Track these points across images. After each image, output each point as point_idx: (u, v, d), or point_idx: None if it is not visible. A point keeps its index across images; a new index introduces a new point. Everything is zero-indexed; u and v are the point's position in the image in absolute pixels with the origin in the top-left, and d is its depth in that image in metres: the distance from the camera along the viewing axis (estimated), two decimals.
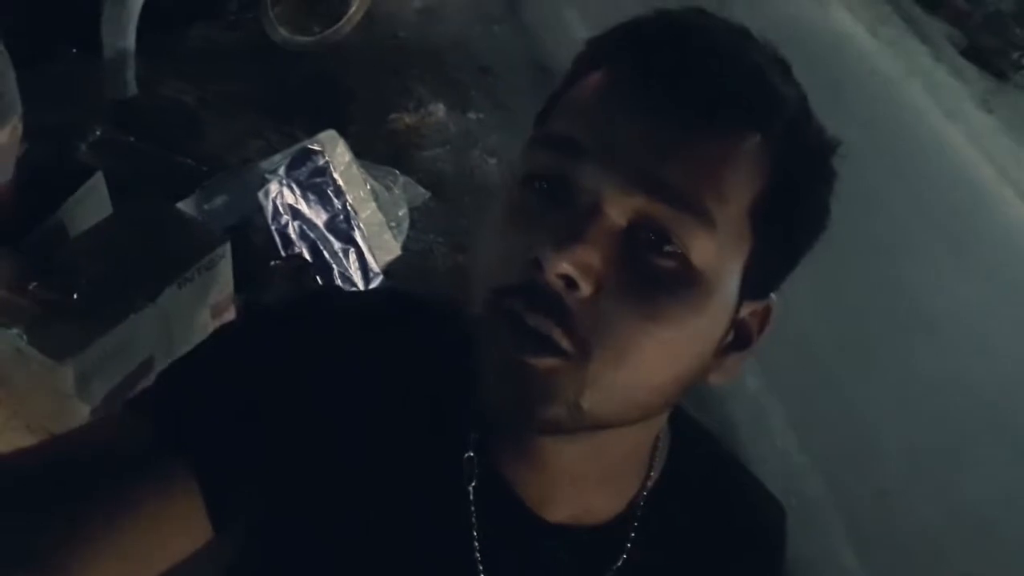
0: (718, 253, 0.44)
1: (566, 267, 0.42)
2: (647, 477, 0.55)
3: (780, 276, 0.50)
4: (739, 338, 0.49)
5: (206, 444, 0.48)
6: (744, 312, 0.48)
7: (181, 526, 0.47)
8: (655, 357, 0.44)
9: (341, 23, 3.37)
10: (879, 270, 3.96)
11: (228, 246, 1.55)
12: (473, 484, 0.52)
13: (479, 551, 0.52)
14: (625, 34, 0.47)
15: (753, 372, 2.91)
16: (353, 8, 3.39)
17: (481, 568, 0.52)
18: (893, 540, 2.73)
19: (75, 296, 1.25)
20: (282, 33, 3.13)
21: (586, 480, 0.52)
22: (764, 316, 0.50)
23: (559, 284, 0.42)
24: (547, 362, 0.43)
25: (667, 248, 0.43)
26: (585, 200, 0.43)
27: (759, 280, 0.47)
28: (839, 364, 3.27)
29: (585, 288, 0.42)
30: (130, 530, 0.45)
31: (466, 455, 0.52)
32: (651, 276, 0.43)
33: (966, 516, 2.98)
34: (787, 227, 0.47)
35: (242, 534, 0.55)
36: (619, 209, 0.43)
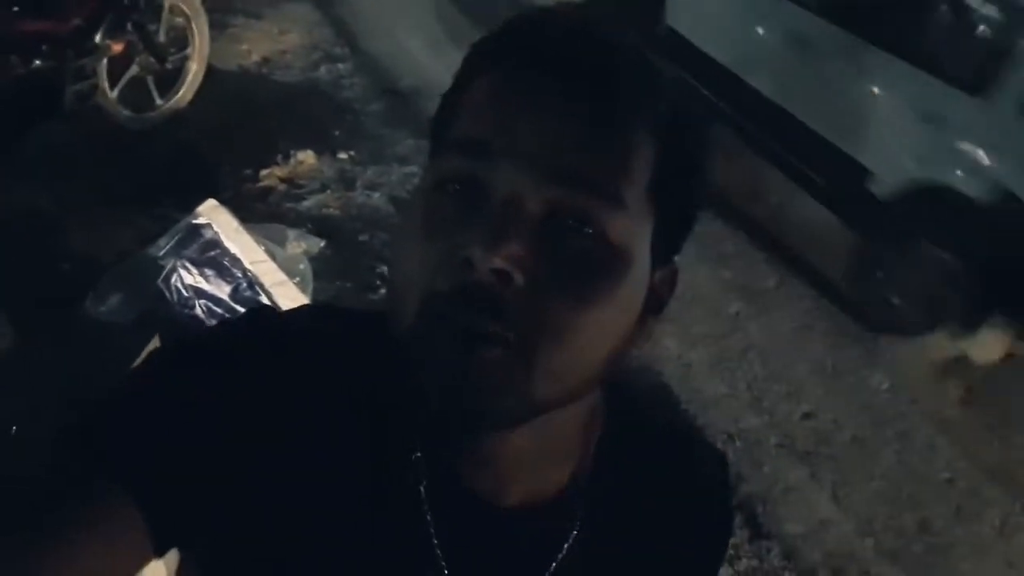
0: (631, 229, 0.47)
1: (499, 262, 0.43)
2: (588, 446, 0.57)
3: (681, 241, 0.53)
4: (652, 302, 0.52)
5: (145, 471, 0.47)
6: (655, 278, 0.51)
7: (125, 551, 0.46)
8: (592, 335, 0.46)
9: (182, 90, 3.27)
10: None
11: (157, 341, 1.49)
12: (424, 484, 0.52)
13: (439, 547, 0.52)
14: (513, 34, 0.49)
15: (671, 333, 3.08)
16: (191, 74, 3.29)
17: (444, 564, 0.53)
18: (829, 451, 2.96)
19: (13, 430, 1.17)
20: (126, 113, 3.01)
21: (533, 463, 0.53)
22: (671, 279, 0.54)
23: (492, 280, 0.43)
24: (494, 356, 0.44)
25: (587, 230, 0.46)
26: (502, 195, 0.45)
27: (664, 247, 0.51)
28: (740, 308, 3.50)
29: (519, 278, 0.43)
30: (70, 565, 0.44)
31: (414, 456, 0.52)
32: (576, 259, 0.45)
33: (881, 413, 3.27)
34: (682, 197, 0.51)
35: (194, 557, 0.53)
36: (536, 201, 0.45)
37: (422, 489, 0.52)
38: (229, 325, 0.59)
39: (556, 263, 0.45)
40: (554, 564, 0.55)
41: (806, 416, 3.07)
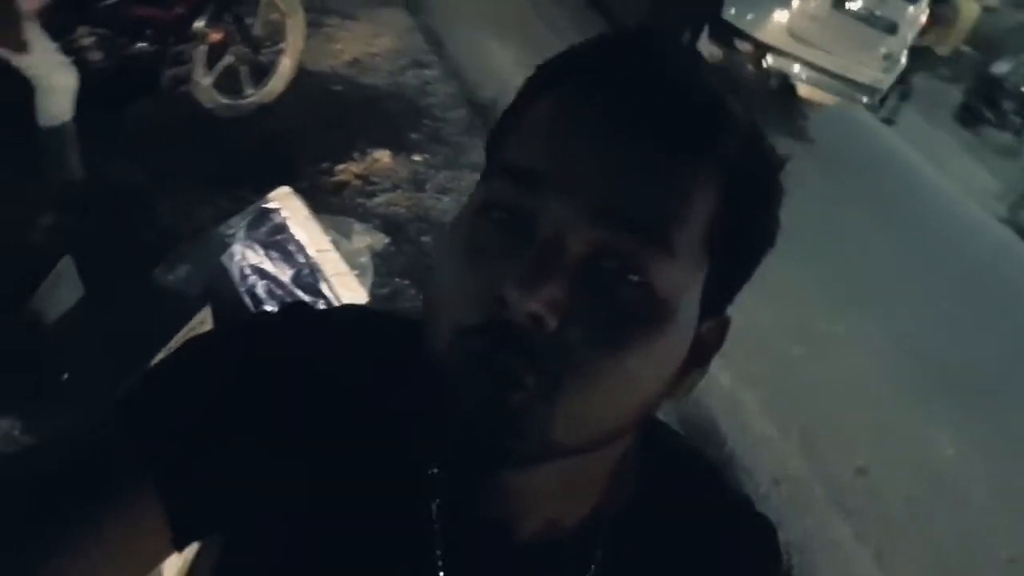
0: (679, 279, 0.44)
1: (534, 306, 0.41)
2: (614, 489, 0.54)
3: (735, 291, 0.50)
4: (697, 354, 0.49)
5: (171, 461, 0.47)
6: (702, 329, 0.48)
7: (146, 543, 0.47)
8: (623, 385, 0.44)
9: (273, 82, 3.40)
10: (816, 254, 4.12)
11: (208, 311, 1.55)
12: (437, 501, 0.51)
13: (443, 569, 0.51)
14: (576, 60, 0.47)
15: (724, 368, 3.01)
16: (282, 67, 3.42)
17: None
18: (879, 510, 2.82)
19: (64, 377, 1.24)
20: (218, 100, 3.15)
21: (552, 500, 0.51)
22: (721, 330, 0.51)
23: (526, 321, 0.42)
24: (517, 398, 0.42)
25: (631, 277, 0.43)
26: (546, 232, 0.43)
27: (716, 297, 0.48)
28: (801, 351, 3.39)
29: (552, 323, 0.42)
30: (94, 551, 0.45)
31: (430, 471, 0.51)
32: (616, 306, 0.43)
33: (941, 477, 3.11)
34: (742, 246, 0.48)
35: (214, 550, 0.54)
36: (581, 241, 0.43)
37: (434, 506, 0.51)
38: (264, 319, 0.60)
39: (595, 309, 0.43)
40: None
41: (859, 471, 2.95)
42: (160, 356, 1.42)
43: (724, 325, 0.51)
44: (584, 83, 0.45)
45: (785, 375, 3.24)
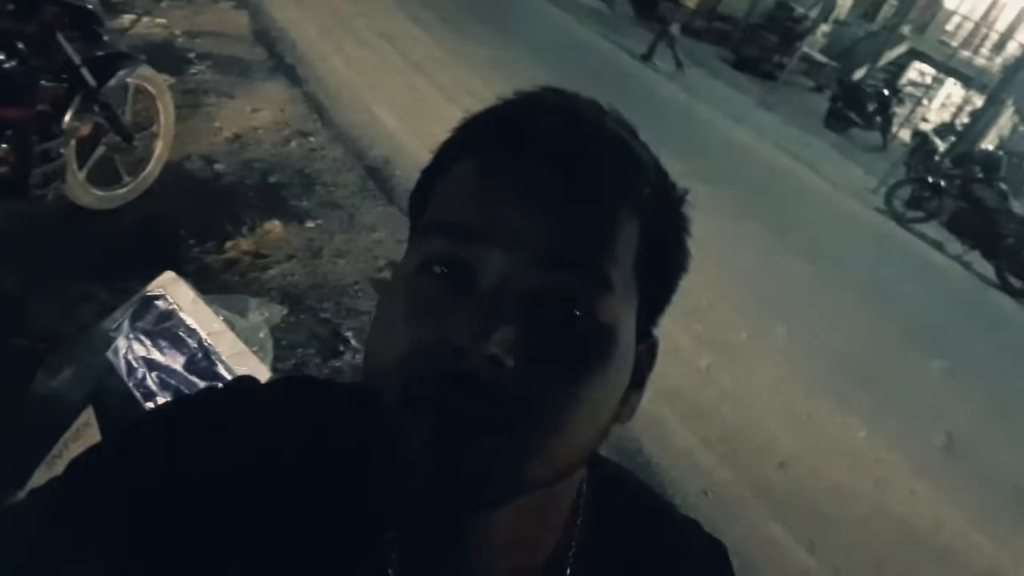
0: (618, 309, 0.47)
1: (492, 348, 0.43)
2: (574, 526, 0.56)
3: (660, 313, 0.54)
4: (636, 376, 0.52)
5: (112, 540, 0.47)
6: (638, 352, 0.52)
7: None
8: (583, 416, 0.46)
9: (149, 167, 3.31)
10: (719, 262, 4.28)
11: (91, 411, 1.48)
12: (393, 566, 0.51)
13: None
14: (495, 119, 0.50)
15: None
16: (157, 151, 3.35)
17: None
18: (805, 501, 2.91)
19: None
20: (94, 194, 3.05)
21: (515, 544, 0.52)
22: (652, 351, 0.55)
23: (483, 365, 0.43)
24: (486, 441, 0.43)
25: (575, 313, 0.46)
26: (490, 280, 0.45)
27: (646, 322, 0.52)
28: (709, 361, 3.49)
29: (509, 363, 0.43)
30: None
31: (386, 535, 0.51)
32: (566, 340, 0.45)
33: (860, 466, 3.23)
34: (663, 273, 0.52)
35: None
36: (525, 285, 0.45)
37: (390, 572, 0.50)
38: (208, 394, 0.59)
39: (546, 346, 0.45)
40: None
41: (780, 466, 3.03)
42: (42, 466, 1.33)
43: (654, 346, 0.55)
44: (506, 141, 0.48)
45: (698, 387, 3.32)
